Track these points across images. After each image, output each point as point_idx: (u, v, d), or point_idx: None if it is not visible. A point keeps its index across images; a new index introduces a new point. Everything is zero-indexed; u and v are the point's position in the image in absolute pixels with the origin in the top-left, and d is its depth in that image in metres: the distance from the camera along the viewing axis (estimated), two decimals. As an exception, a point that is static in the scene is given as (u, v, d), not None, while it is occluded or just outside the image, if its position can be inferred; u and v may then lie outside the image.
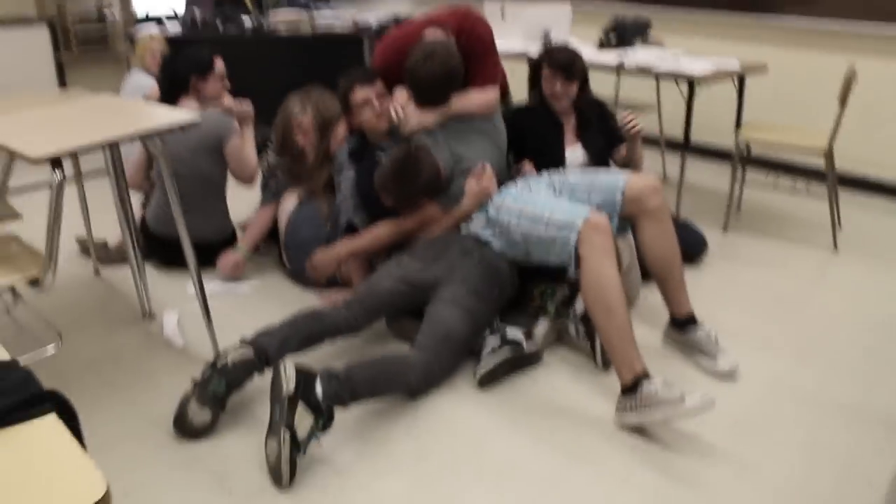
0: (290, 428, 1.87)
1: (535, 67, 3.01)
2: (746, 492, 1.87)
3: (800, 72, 4.30)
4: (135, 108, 2.44)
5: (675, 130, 4.60)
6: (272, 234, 3.19)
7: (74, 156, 3.00)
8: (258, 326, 2.26)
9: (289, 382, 1.91)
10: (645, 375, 2.08)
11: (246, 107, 3.12)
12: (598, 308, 2.17)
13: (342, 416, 2.14)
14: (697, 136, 4.72)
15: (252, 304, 2.87)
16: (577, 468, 1.96)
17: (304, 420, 1.90)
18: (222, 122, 3.04)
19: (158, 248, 3.09)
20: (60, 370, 2.42)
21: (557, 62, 2.89)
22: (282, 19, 4.77)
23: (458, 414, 2.19)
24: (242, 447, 2.04)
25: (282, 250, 3.07)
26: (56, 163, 1.94)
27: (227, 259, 3.04)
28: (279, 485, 1.87)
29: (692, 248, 3.20)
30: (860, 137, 4.14)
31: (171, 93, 3.10)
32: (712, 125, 4.64)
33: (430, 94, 2.71)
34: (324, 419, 1.93)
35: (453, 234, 2.61)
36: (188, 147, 2.99)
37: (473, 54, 2.81)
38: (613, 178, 2.51)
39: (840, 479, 1.92)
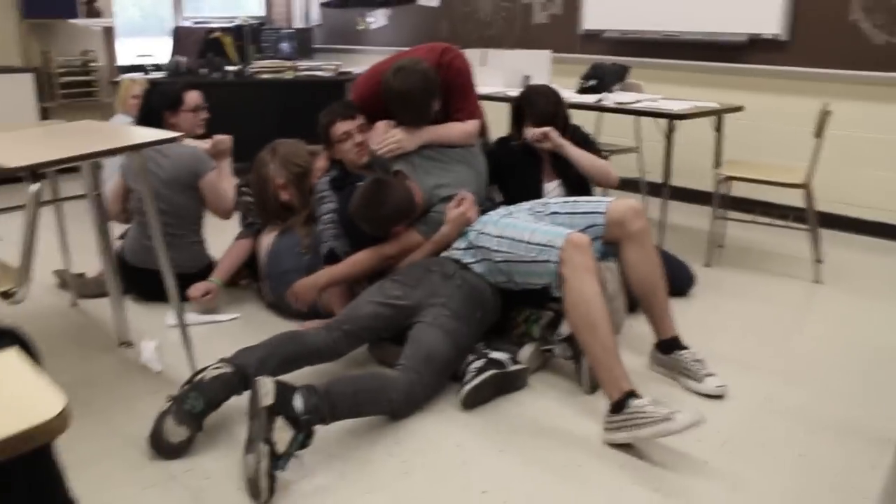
0: (269, 442, 1.80)
1: (517, 109, 3.04)
2: (740, 505, 1.82)
3: (776, 116, 4.41)
4: (113, 130, 2.44)
5: (655, 173, 4.66)
6: (250, 266, 3.15)
7: (53, 183, 3.01)
8: (238, 353, 2.21)
9: (267, 396, 1.86)
10: (633, 393, 2.05)
11: (223, 142, 3.12)
12: (583, 325, 2.15)
13: (322, 436, 2.07)
14: (678, 180, 4.77)
15: (231, 334, 2.81)
16: (566, 486, 1.90)
17: (282, 435, 1.84)
18: (196, 157, 3.03)
19: (134, 280, 3.03)
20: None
21: (540, 115, 2.92)
22: (265, 66, 4.84)
23: (442, 434, 2.13)
24: (220, 466, 1.96)
25: (261, 281, 3.04)
26: (36, 176, 1.92)
27: (198, 287, 2.97)
28: (257, 501, 1.79)
29: (681, 281, 3.19)
30: (838, 179, 4.22)
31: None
32: (692, 169, 4.71)
33: (408, 106, 2.70)
34: (303, 435, 1.87)
35: (434, 258, 2.59)
36: (162, 180, 2.97)
37: (453, 87, 2.84)
38: (594, 204, 2.53)
39: (834, 492, 1.87)
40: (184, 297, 2.96)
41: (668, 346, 2.46)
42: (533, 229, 2.35)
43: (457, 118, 2.83)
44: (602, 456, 2.02)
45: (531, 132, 2.89)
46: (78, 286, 3.13)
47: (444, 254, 2.60)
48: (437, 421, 2.20)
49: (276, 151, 2.98)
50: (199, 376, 2.04)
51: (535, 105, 2.95)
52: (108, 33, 5.83)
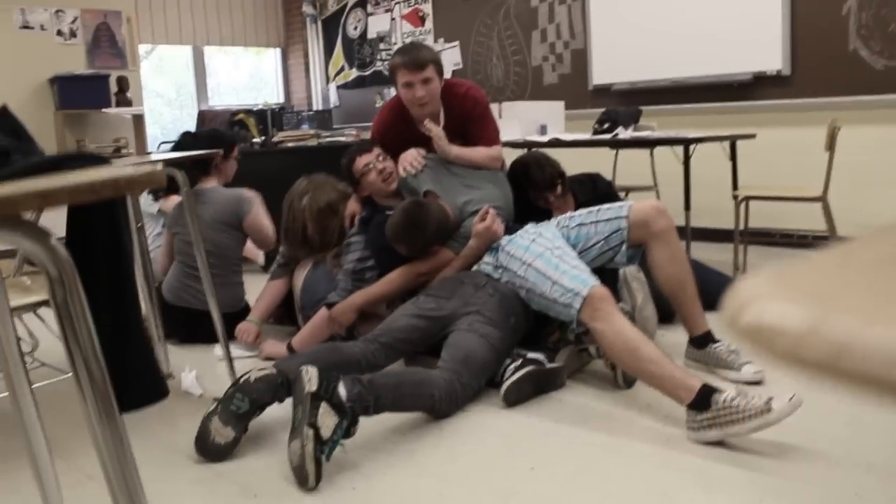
0: (314, 426, 1.82)
1: (515, 186, 2.98)
2: (803, 470, 1.80)
3: (786, 147, 4.50)
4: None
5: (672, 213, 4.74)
6: (286, 307, 3.22)
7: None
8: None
9: (311, 382, 1.88)
10: (708, 388, 1.98)
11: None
12: (626, 356, 2.12)
13: (367, 432, 2.08)
14: (695, 221, 4.84)
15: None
16: (613, 460, 1.89)
17: (327, 422, 1.86)
18: (240, 197, 3.16)
19: (174, 319, 3.10)
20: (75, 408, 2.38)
21: (539, 186, 2.98)
22: (289, 135, 5.05)
23: (485, 427, 2.14)
24: (266, 464, 1.98)
25: (298, 314, 3.09)
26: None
27: (244, 327, 3.05)
28: (304, 486, 1.80)
29: (720, 293, 3.18)
30: (853, 204, 4.26)
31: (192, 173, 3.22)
32: (710, 208, 4.78)
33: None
34: (348, 420, 1.89)
35: (465, 272, 2.65)
36: (206, 222, 3.09)
37: (472, 117, 2.94)
38: (616, 209, 2.58)
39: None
40: (230, 337, 3.01)
41: (702, 340, 2.47)
42: (561, 268, 2.35)
43: (480, 145, 2.93)
44: (645, 436, 2.02)
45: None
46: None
47: (474, 268, 2.66)
48: (480, 418, 2.21)
49: (310, 182, 3.10)
50: (244, 378, 2.08)
51: (532, 176, 3.00)
52: (139, 121, 6.13)
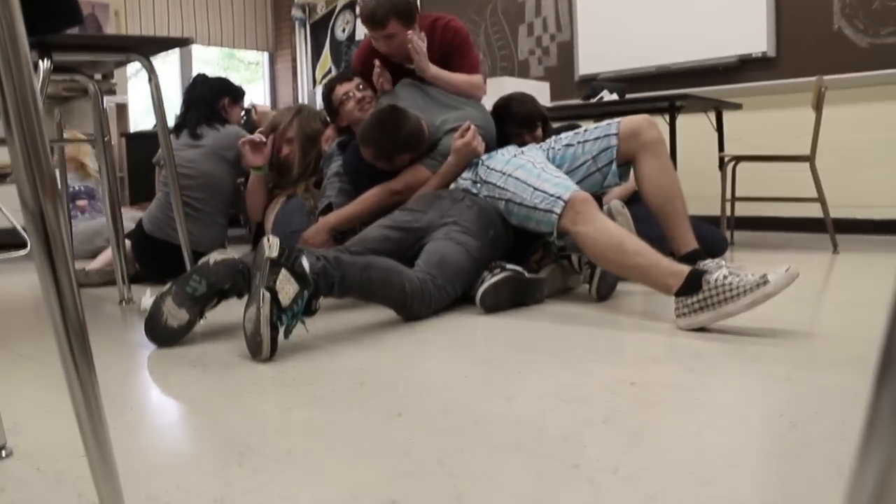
0: (272, 290, 1.68)
1: (495, 118, 2.91)
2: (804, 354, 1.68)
3: (773, 128, 4.47)
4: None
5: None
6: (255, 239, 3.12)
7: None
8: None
9: (272, 249, 1.75)
10: (701, 271, 1.86)
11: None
12: (610, 251, 2.02)
13: (330, 322, 1.95)
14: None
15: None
16: (592, 341, 1.76)
17: (287, 287, 1.71)
18: (240, 132, 3.07)
19: (149, 250, 2.95)
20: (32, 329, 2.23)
21: (517, 120, 2.92)
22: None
23: (460, 322, 2.01)
24: (220, 345, 1.84)
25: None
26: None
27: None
28: (258, 355, 1.64)
29: (714, 244, 3.10)
30: (842, 183, 4.20)
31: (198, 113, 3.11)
32: (699, 196, 4.71)
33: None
34: (310, 290, 1.75)
35: (443, 189, 2.55)
36: (202, 153, 2.99)
37: (453, 47, 2.89)
38: (605, 127, 2.49)
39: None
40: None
41: (691, 258, 2.35)
42: (542, 177, 2.30)
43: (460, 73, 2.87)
44: (632, 327, 1.90)
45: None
46: (79, 278, 3.05)
47: (451, 185, 2.56)
48: (456, 320, 2.07)
49: (297, 111, 3.02)
50: (203, 261, 1.94)
51: (515, 110, 2.94)
52: (122, 110, 6.04)
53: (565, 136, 2.56)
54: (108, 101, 5.94)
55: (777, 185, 4.22)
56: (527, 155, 2.45)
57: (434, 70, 2.76)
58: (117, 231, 2.62)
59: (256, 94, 7.57)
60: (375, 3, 2.73)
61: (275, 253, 1.74)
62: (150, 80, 2.30)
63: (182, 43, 2.37)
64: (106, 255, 3.11)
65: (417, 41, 2.71)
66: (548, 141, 2.58)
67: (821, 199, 3.44)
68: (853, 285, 2.55)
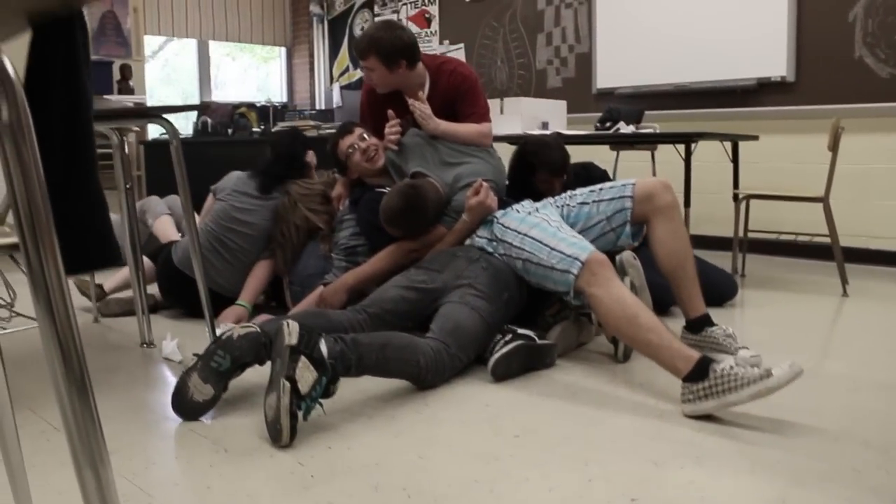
0: (291, 379, 1.75)
1: (522, 163, 2.95)
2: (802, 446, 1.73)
3: (789, 154, 4.46)
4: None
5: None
6: (272, 288, 3.16)
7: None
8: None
9: (291, 335, 1.82)
10: (707, 359, 1.91)
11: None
12: (624, 323, 2.06)
13: (347, 396, 2.02)
14: (695, 229, 4.79)
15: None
16: (600, 431, 1.82)
17: (306, 376, 1.78)
18: None
19: (175, 282, 3.00)
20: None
21: (552, 167, 2.89)
22: (289, 125, 5.01)
23: (471, 395, 2.07)
24: (242, 421, 1.91)
25: (285, 290, 3.03)
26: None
27: (230, 311, 2.96)
28: (278, 442, 1.72)
29: (722, 289, 3.15)
30: (856, 212, 4.21)
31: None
32: (710, 218, 4.73)
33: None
34: (328, 377, 1.82)
35: (458, 246, 2.59)
36: (267, 206, 3.05)
37: (460, 94, 2.90)
38: (620, 188, 2.52)
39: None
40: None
41: (699, 323, 2.41)
42: (559, 236, 2.31)
43: (468, 122, 2.89)
44: (636, 411, 1.95)
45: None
46: (101, 306, 3.13)
47: (467, 242, 2.61)
48: (466, 389, 2.14)
49: (291, 198, 3.04)
50: (226, 335, 2.01)
51: (548, 157, 2.91)
52: (140, 110, 6.09)
53: (580, 194, 2.59)
54: (127, 100, 6.00)
55: (791, 215, 4.22)
56: (542, 213, 2.48)
57: (443, 127, 2.80)
58: (139, 276, 2.69)
59: (273, 89, 7.60)
60: (365, 33, 2.87)
61: (294, 340, 1.81)
62: (171, 143, 2.35)
63: (200, 108, 2.41)
64: (123, 274, 3.16)
65: (421, 105, 2.76)
66: (562, 197, 2.61)
67: (833, 240, 3.46)
68: (856, 350, 2.58)
